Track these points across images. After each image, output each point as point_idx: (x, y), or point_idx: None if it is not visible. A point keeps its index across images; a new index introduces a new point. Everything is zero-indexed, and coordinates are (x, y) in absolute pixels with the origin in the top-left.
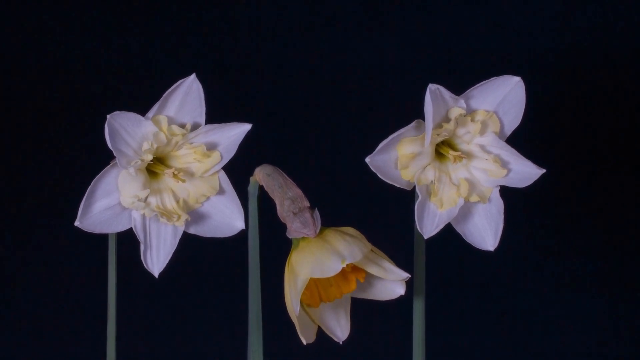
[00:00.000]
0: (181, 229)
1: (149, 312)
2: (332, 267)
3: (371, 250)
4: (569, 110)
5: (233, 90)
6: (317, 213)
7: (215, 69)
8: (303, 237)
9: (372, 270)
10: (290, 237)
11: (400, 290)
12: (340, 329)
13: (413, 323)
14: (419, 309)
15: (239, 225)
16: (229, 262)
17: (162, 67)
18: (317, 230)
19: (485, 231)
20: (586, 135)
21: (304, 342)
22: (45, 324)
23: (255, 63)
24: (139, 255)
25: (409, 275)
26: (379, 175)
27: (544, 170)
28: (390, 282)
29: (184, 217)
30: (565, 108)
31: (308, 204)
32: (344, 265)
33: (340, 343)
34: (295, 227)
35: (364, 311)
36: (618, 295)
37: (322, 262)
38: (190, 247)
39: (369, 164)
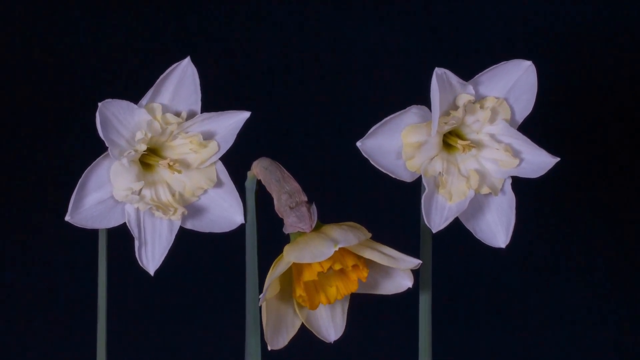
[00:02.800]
0: (177, 223)
1: (142, 312)
2: (324, 251)
3: (370, 239)
4: (584, 97)
5: (230, 81)
6: (314, 208)
7: (211, 58)
8: (299, 232)
9: (380, 259)
10: (286, 232)
11: (407, 282)
12: (334, 327)
13: (419, 320)
14: (425, 305)
15: (239, 219)
16: (226, 260)
17: (155, 53)
18: (313, 225)
19: (496, 227)
20: (602, 123)
21: (269, 348)
22: (33, 323)
23: (253, 52)
24: (133, 252)
25: (421, 262)
26: (373, 163)
27: (558, 159)
28: (396, 276)
29: (180, 210)
30: (580, 94)
31: (306, 199)
32: (337, 249)
33: (331, 343)
34: (290, 222)
35: (364, 309)
36: (631, 295)
37: (314, 247)
38: (187, 243)
39: (359, 148)
